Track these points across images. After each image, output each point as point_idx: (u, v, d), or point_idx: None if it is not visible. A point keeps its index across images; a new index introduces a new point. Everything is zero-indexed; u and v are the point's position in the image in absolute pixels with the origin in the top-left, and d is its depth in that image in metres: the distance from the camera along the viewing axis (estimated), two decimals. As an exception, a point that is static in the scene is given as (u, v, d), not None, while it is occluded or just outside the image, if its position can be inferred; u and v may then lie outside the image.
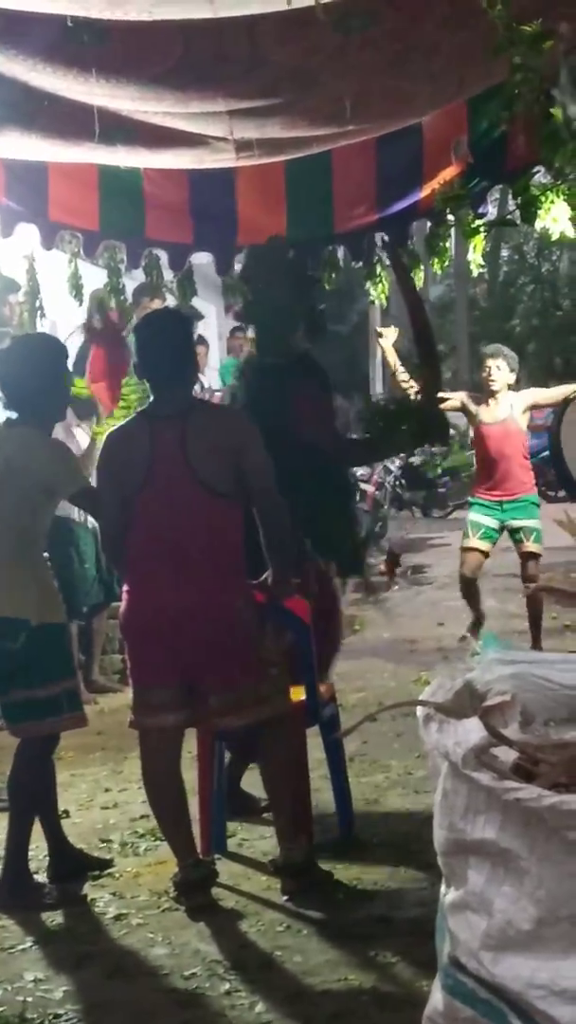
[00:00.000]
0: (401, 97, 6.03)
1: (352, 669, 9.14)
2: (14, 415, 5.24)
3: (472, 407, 9.19)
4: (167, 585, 4.74)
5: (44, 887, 5.08)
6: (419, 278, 7.76)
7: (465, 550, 9.33)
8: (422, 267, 7.75)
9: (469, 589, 9.51)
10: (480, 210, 6.75)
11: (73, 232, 7.45)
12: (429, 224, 7.27)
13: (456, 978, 2.10)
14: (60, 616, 5.19)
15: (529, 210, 4.90)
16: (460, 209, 6.22)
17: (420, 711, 2.22)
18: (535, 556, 9.10)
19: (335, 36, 5.19)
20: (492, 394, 9.09)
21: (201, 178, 7.21)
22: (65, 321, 8.09)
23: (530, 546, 9.08)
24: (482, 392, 9.24)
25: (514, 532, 9.18)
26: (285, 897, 4.83)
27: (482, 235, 5.92)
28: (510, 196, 6.05)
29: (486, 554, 9.33)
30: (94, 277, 7.93)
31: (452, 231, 7.25)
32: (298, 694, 5.19)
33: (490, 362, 9.14)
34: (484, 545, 9.23)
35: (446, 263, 7.59)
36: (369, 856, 5.26)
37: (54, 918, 4.82)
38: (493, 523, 9.19)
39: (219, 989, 4.07)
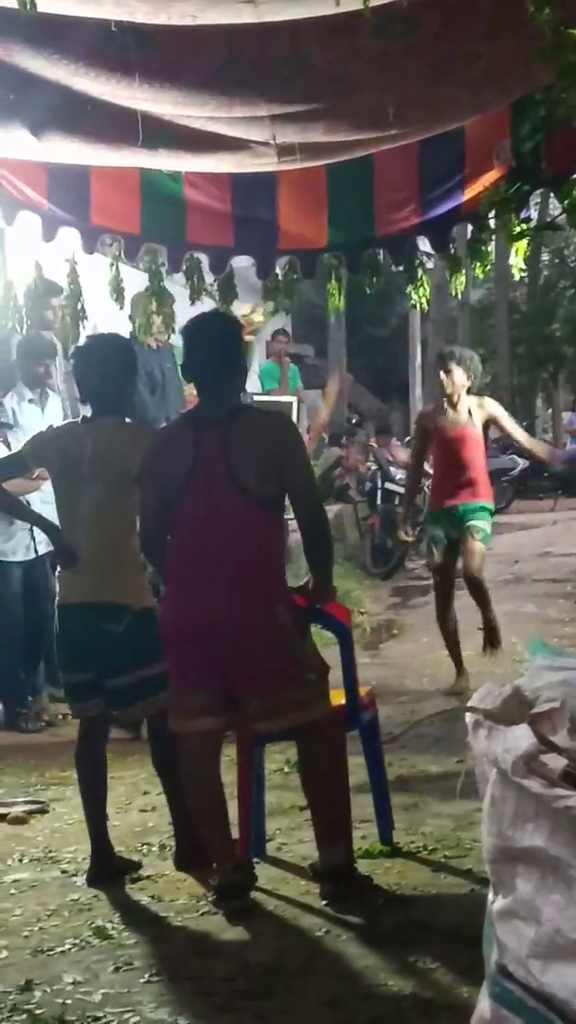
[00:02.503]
0: (443, 102, 6.04)
1: (390, 674, 9.13)
2: (89, 412, 5.44)
3: (430, 422, 8.73)
4: (207, 590, 4.74)
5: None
6: (460, 282, 7.76)
7: (438, 570, 8.88)
8: (463, 271, 7.75)
9: (447, 625, 8.78)
10: (523, 214, 6.73)
11: (114, 236, 7.49)
12: (471, 228, 7.26)
13: (504, 986, 2.09)
14: (152, 600, 5.33)
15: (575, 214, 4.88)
16: (505, 213, 6.21)
17: (469, 718, 2.21)
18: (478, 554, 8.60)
19: (378, 41, 5.20)
20: (450, 400, 8.47)
21: (242, 182, 7.23)
22: (106, 324, 8.12)
23: (475, 544, 8.52)
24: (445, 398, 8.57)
25: (465, 529, 8.56)
26: (324, 901, 4.81)
27: (525, 240, 5.89)
28: (552, 200, 6.04)
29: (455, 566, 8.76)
30: (135, 280, 7.95)
31: (493, 235, 7.24)
32: (338, 698, 5.18)
33: (441, 368, 8.57)
34: (452, 557, 8.69)
35: (487, 267, 7.58)
36: (408, 861, 5.24)
37: (93, 920, 4.82)
38: (453, 532, 8.60)
39: (257, 993, 4.05)
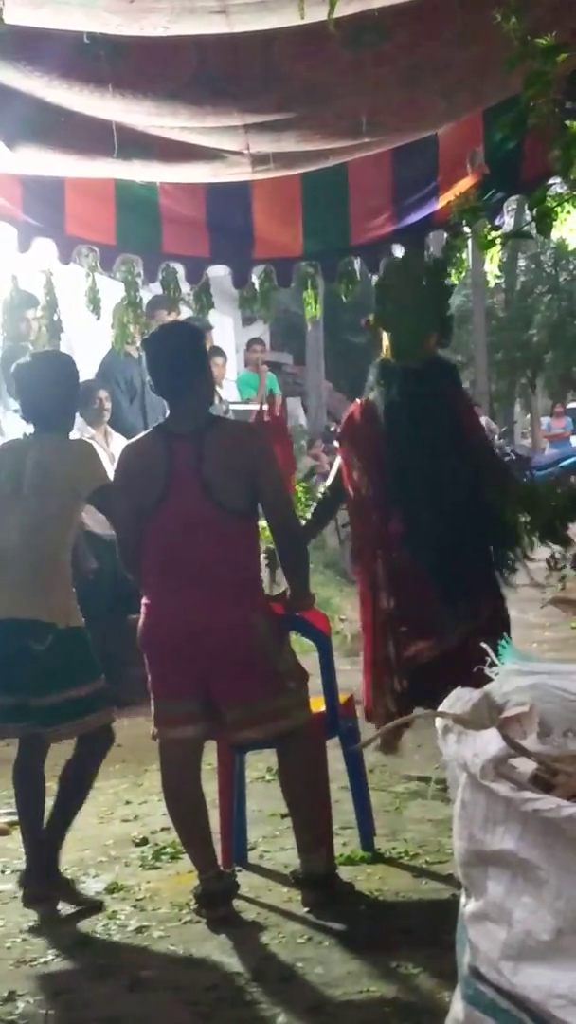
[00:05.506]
0: (416, 110, 6.07)
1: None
2: (32, 427, 5.31)
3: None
4: (184, 599, 4.75)
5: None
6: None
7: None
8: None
9: None
10: (497, 221, 6.76)
11: (90, 246, 7.50)
12: (445, 235, 7.28)
13: (476, 988, 2.11)
14: (81, 619, 5.21)
15: (544, 222, 4.90)
16: (476, 221, 6.23)
17: (439, 722, 2.22)
18: None
19: (349, 51, 5.22)
20: None
21: (217, 192, 7.25)
22: (83, 335, 8.13)
23: None
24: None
25: None
26: (306, 908, 4.82)
27: (498, 246, 5.90)
28: (526, 207, 6.05)
29: None
30: (112, 291, 7.96)
31: (469, 242, 7.25)
32: (318, 706, 5.19)
33: None
34: None
35: (463, 274, 7.60)
36: (390, 867, 5.26)
37: (75, 931, 4.82)
38: None
39: (240, 1001, 4.06)
